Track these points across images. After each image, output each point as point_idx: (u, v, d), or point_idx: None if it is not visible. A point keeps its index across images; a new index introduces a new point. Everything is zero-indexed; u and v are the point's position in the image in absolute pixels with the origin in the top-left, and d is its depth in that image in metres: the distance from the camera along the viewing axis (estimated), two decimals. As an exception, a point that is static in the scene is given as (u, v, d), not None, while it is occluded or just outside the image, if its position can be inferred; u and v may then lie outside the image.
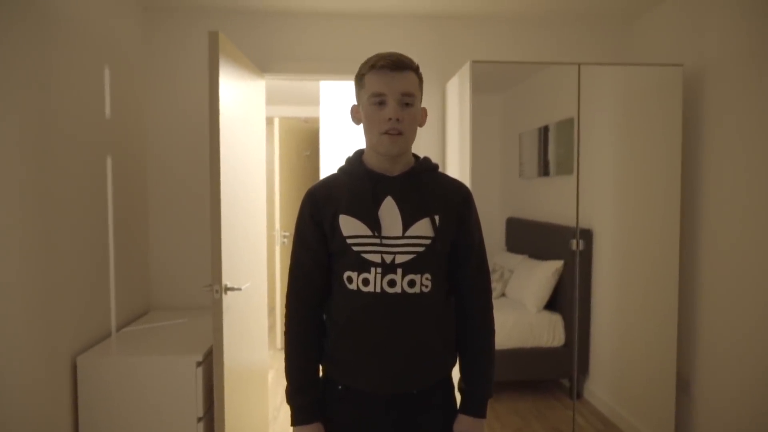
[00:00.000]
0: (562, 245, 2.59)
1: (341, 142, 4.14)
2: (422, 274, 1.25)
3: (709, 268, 2.47)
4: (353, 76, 3.02)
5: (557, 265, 2.60)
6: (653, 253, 2.58)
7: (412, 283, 1.24)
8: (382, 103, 1.22)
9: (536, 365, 2.64)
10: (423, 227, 1.25)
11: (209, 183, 2.88)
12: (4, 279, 1.68)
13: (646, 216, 2.58)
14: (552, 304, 2.63)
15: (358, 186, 1.28)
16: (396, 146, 1.23)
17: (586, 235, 2.59)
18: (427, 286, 1.26)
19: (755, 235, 2.19)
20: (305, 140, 4.93)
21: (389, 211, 1.25)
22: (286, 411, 3.39)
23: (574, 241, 2.56)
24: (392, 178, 1.28)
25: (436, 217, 1.26)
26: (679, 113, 2.51)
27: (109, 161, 2.43)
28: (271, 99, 4.66)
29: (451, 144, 2.91)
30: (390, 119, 1.20)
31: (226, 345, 2.14)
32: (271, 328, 5.18)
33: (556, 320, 2.64)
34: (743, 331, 2.26)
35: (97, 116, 2.32)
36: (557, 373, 2.67)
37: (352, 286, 1.26)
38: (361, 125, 1.29)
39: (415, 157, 1.35)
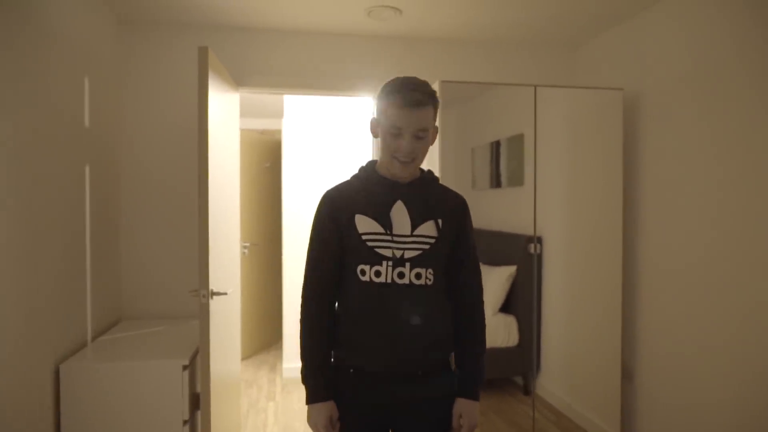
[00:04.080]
0: (514, 252, 2.81)
1: (304, 154, 4.25)
2: (427, 268, 1.42)
3: (648, 269, 2.78)
4: (324, 91, 3.22)
5: (511, 270, 2.81)
6: (598, 257, 2.86)
7: (418, 276, 1.41)
8: (398, 135, 1.37)
9: (493, 364, 2.84)
10: (428, 228, 1.43)
11: (191, 191, 2.96)
12: (-1, 285, 1.69)
13: (591, 223, 2.86)
14: (506, 307, 2.85)
15: (372, 191, 1.45)
16: (406, 171, 1.42)
17: (531, 242, 2.83)
18: (430, 279, 1.43)
19: (688, 239, 2.51)
20: (265, 152, 5.00)
21: (399, 213, 1.42)
22: (253, 419, 3.44)
23: (532, 246, 2.80)
24: (402, 185, 1.45)
25: (440, 221, 1.45)
26: (620, 132, 2.83)
27: (87, 170, 2.45)
28: (232, 111, 4.70)
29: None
30: (403, 151, 1.37)
31: (212, 350, 2.21)
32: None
33: (510, 322, 2.85)
34: (679, 324, 2.56)
35: (76, 126, 2.34)
36: (512, 371, 2.87)
37: (365, 278, 1.41)
38: (377, 138, 1.46)
39: (420, 169, 1.53)
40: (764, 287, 2.10)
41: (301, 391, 3.93)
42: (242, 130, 4.72)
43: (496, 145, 2.79)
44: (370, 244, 1.40)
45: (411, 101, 1.33)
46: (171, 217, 2.98)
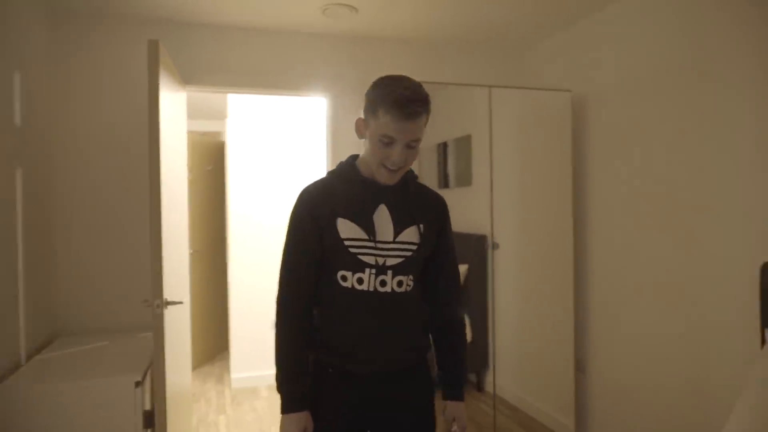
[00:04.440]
0: (465, 251, 2.84)
1: (251, 156, 4.11)
2: (408, 275, 1.40)
3: (598, 266, 2.90)
4: (276, 91, 3.12)
5: (462, 269, 2.85)
6: (550, 254, 2.95)
7: (400, 284, 1.38)
8: (390, 144, 1.29)
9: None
10: (411, 234, 1.39)
11: (133, 194, 2.78)
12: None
13: (543, 221, 2.95)
14: (458, 306, 2.88)
15: (354, 192, 1.38)
16: (393, 179, 1.35)
17: (484, 241, 2.87)
18: (410, 285, 1.41)
19: (635, 236, 2.64)
20: (206, 155, 4.79)
21: (383, 218, 1.37)
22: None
23: (485, 245, 2.85)
24: (385, 188, 1.38)
25: (422, 226, 1.40)
26: (568, 132, 2.93)
27: (18, 172, 2.23)
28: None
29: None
30: (393, 160, 1.30)
31: (167, 363, 2.07)
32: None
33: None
34: (628, 316, 2.69)
35: (6, 123, 2.12)
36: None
37: (347, 284, 1.36)
38: (363, 139, 1.37)
39: None
40: (706, 280, 2.24)
41: (252, 402, 3.79)
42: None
43: (443, 146, 2.81)
44: (353, 250, 1.34)
45: (408, 114, 1.25)
46: (111, 223, 2.77)
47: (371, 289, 1.35)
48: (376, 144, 1.30)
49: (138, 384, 2.01)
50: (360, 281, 1.35)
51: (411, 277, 1.41)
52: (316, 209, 1.36)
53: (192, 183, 4.54)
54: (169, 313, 2.20)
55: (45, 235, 2.57)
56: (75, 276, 2.71)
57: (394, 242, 1.36)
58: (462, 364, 1.48)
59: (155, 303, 2.02)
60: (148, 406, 2.19)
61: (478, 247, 2.87)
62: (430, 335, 1.51)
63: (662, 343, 2.47)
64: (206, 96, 4.58)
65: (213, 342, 4.83)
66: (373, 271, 1.35)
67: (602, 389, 2.88)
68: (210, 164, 4.85)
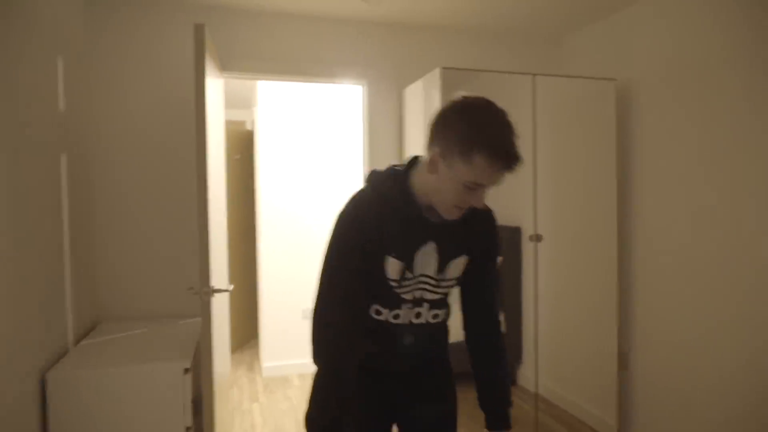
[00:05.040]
0: (500, 242, 2.80)
1: (280, 144, 4.09)
2: (443, 308, 1.36)
3: (644, 257, 2.83)
4: (313, 78, 3.08)
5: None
6: (593, 246, 2.89)
7: (435, 316, 1.35)
8: (475, 190, 1.14)
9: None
10: (454, 269, 1.30)
11: (175, 181, 2.77)
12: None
13: (585, 212, 2.88)
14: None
15: (408, 230, 1.23)
16: (459, 215, 1.21)
17: (519, 234, 2.82)
18: (446, 315, 1.38)
19: (684, 226, 2.57)
20: (234, 143, 4.79)
21: (428, 254, 1.26)
22: (240, 421, 3.28)
23: (522, 236, 2.80)
24: (439, 224, 1.25)
25: (467, 258, 1.31)
26: (613, 121, 2.86)
27: (64, 159, 2.23)
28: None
29: (411, 149, 3.03)
30: (472, 204, 1.18)
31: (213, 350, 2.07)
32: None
33: (495, 313, 2.85)
34: (676, 310, 2.62)
35: (50, 110, 2.12)
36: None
37: (381, 318, 1.29)
38: (433, 174, 1.18)
39: None
40: (759, 273, 2.17)
41: (285, 390, 3.80)
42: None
43: None
44: (396, 290, 1.26)
45: (513, 166, 1.10)
46: (152, 211, 2.77)
47: (406, 322, 1.31)
48: (456, 187, 1.13)
49: (187, 371, 2.01)
50: (396, 317, 1.30)
51: (447, 308, 1.38)
52: (369, 243, 1.21)
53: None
54: (214, 300, 2.20)
55: (89, 222, 2.57)
56: (116, 262, 2.72)
57: (435, 278, 1.29)
58: (507, 390, 1.38)
59: (203, 290, 2.01)
60: (197, 392, 2.19)
61: (514, 239, 2.83)
62: (469, 351, 1.43)
63: (712, 338, 2.41)
64: (233, 84, 4.56)
65: (243, 329, 4.86)
66: (410, 305, 1.30)
67: (648, 387, 2.82)
68: (238, 153, 4.84)
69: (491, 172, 1.10)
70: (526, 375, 2.85)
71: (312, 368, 1.29)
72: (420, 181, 1.22)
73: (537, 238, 2.80)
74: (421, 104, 2.86)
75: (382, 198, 1.23)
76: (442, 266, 1.28)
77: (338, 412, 1.20)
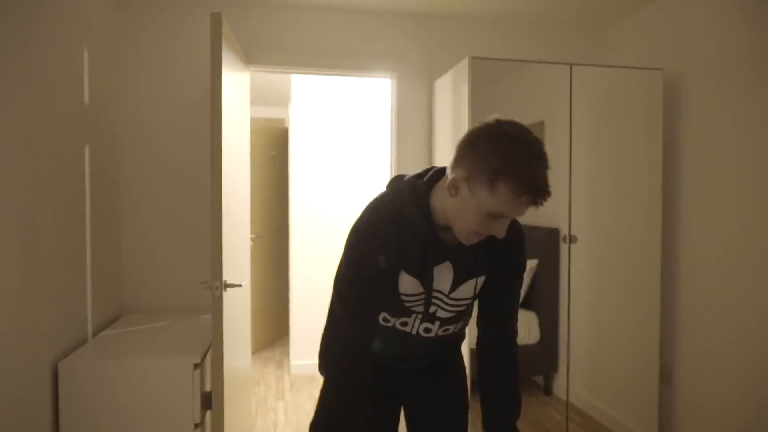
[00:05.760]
0: (536, 245, 2.64)
1: (313, 142, 4.05)
2: (457, 323, 1.32)
3: (689, 263, 2.60)
4: (343, 71, 3.02)
5: (531, 264, 2.64)
6: (634, 249, 2.68)
7: (446, 331, 1.32)
8: (497, 219, 1.09)
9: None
10: (468, 289, 1.26)
11: (198, 175, 2.77)
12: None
13: (626, 213, 2.68)
14: (526, 303, 2.67)
15: (424, 247, 1.19)
16: (476, 242, 1.16)
17: (556, 235, 2.65)
18: (458, 329, 1.35)
19: (733, 231, 2.33)
20: (270, 141, 4.80)
21: (443, 272, 1.22)
22: (263, 418, 3.25)
23: (558, 239, 2.63)
24: (455, 245, 1.22)
25: (482, 279, 1.26)
26: (659, 114, 2.64)
27: (87, 151, 2.25)
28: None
29: (440, 145, 2.91)
30: (493, 233, 1.11)
31: (224, 345, 2.02)
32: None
33: (531, 318, 2.68)
34: (722, 322, 2.39)
35: (75, 102, 2.13)
36: (533, 370, 2.70)
37: (388, 324, 1.28)
38: (452, 197, 1.12)
39: None
40: (829, 280, 1.93)
41: (311, 389, 3.75)
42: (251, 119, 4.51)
43: None
44: (407, 304, 1.24)
45: (541, 202, 1.03)
46: (176, 204, 2.78)
47: (414, 333, 1.29)
48: (477, 215, 1.07)
49: (196, 366, 1.98)
50: (404, 324, 1.28)
51: (461, 323, 1.34)
52: (387, 262, 1.17)
53: (256, 169, 4.56)
54: (228, 295, 2.16)
55: (114, 216, 2.60)
56: (141, 255, 2.74)
57: (448, 297, 1.25)
58: (519, 407, 1.30)
59: (214, 285, 1.97)
60: (208, 387, 2.16)
61: (550, 240, 2.66)
62: (481, 367, 1.36)
63: (765, 355, 2.17)
64: (271, 82, 4.57)
65: (274, 327, 4.86)
66: (419, 317, 1.27)
67: (691, 403, 2.58)
68: (273, 150, 4.85)
69: (516, 205, 1.04)
70: (561, 384, 2.68)
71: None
72: (441, 200, 1.16)
73: (571, 239, 2.62)
74: (450, 97, 2.73)
75: (398, 212, 1.18)
76: (456, 285, 1.24)
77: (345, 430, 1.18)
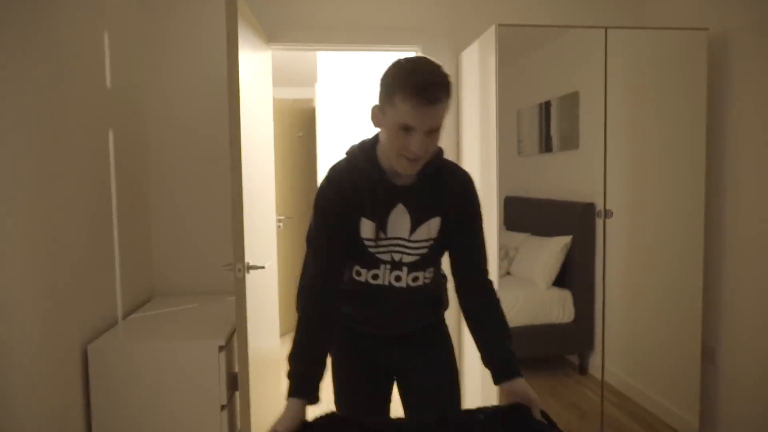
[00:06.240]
0: (569, 221, 2.53)
1: (340, 121, 4.00)
2: (425, 270, 1.40)
3: (735, 237, 2.45)
4: (366, 46, 2.94)
5: (565, 240, 2.54)
6: (675, 224, 2.54)
7: (415, 279, 1.40)
8: (408, 133, 1.20)
9: (546, 341, 2.59)
10: (426, 230, 1.35)
11: (226, 158, 2.75)
12: (12, 265, 1.52)
13: (666, 186, 2.53)
14: (560, 281, 2.58)
15: (376, 191, 1.32)
16: (414, 169, 1.26)
17: (591, 210, 2.53)
18: (428, 279, 1.42)
19: (788, 200, 2.17)
20: (297, 121, 4.77)
21: (399, 216, 1.34)
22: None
23: (593, 214, 2.51)
24: (405, 185, 1.33)
25: (439, 219, 1.36)
26: (703, 79, 2.46)
27: (111, 136, 2.25)
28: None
29: (467, 119, 2.81)
30: (413, 150, 1.21)
31: (249, 328, 2.02)
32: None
33: (565, 296, 2.59)
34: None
35: (97, 87, 2.13)
36: (567, 349, 2.62)
37: (361, 279, 1.39)
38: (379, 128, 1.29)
39: None
40: None
41: (342, 370, 3.75)
42: (273, 99, 4.49)
43: (545, 106, 2.48)
44: (371, 249, 1.35)
45: (427, 100, 1.14)
46: (203, 187, 2.78)
47: (386, 283, 1.38)
48: (393, 133, 1.21)
49: (221, 348, 1.98)
50: (375, 277, 1.38)
51: (430, 270, 1.41)
52: (346, 205, 1.32)
53: (284, 151, 4.54)
54: (253, 278, 2.15)
55: (143, 199, 2.62)
56: (170, 239, 2.76)
57: (409, 240, 1.35)
58: (510, 344, 1.35)
59: (237, 267, 1.96)
60: (236, 369, 2.17)
61: (585, 216, 2.54)
62: (465, 317, 1.44)
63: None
64: (297, 63, 4.52)
65: (305, 308, 4.88)
66: (388, 266, 1.37)
67: (736, 384, 2.45)
68: (301, 131, 4.82)
69: (412, 110, 1.15)
70: (596, 364, 2.59)
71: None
72: (381, 144, 1.31)
73: (606, 214, 2.50)
74: (477, 68, 2.62)
75: (352, 165, 1.35)
76: (414, 227, 1.34)
77: (314, 357, 1.28)
